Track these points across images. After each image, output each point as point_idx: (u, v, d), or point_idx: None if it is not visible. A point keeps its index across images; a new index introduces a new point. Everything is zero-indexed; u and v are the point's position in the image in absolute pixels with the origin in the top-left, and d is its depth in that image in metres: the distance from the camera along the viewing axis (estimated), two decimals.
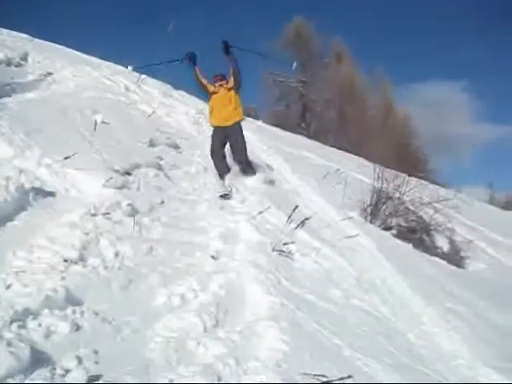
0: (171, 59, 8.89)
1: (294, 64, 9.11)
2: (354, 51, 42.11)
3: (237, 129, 8.46)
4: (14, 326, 3.29)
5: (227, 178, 8.12)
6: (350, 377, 3.27)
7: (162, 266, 4.80)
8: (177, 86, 15.51)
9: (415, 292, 5.94)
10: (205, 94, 8.88)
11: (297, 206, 6.58)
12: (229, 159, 8.64)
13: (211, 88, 8.64)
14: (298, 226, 6.25)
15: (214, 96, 8.60)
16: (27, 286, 3.88)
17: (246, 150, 8.57)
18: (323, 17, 56.73)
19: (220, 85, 8.56)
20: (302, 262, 5.71)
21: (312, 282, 5.29)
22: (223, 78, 8.64)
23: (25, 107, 7.91)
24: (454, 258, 10.91)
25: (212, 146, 8.47)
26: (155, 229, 5.59)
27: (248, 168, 8.62)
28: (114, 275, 4.40)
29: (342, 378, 3.24)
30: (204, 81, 8.66)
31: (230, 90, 8.53)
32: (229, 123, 8.43)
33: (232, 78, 8.55)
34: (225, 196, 7.52)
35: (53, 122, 7.56)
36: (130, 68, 8.77)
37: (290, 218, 6.26)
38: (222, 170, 8.28)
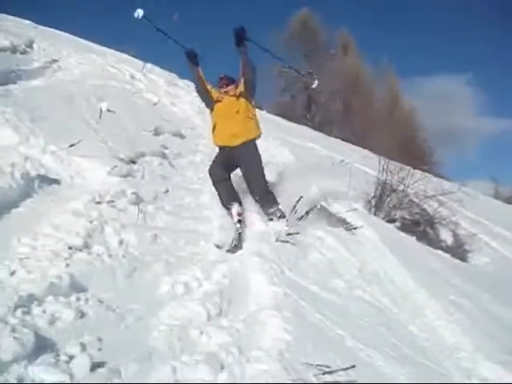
0: (179, 41, 6.44)
1: (316, 82, 7.60)
2: (359, 43, 42.05)
3: (250, 150, 6.21)
4: (19, 312, 3.31)
5: (235, 208, 6.03)
6: (353, 367, 3.28)
7: (166, 255, 4.82)
8: (182, 75, 15.51)
9: (418, 284, 5.93)
10: (209, 103, 6.56)
11: (301, 197, 6.57)
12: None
13: (215, 95, 6.46)
14: (303, 216, 6.24)
15: (217, 106, 6.41)
16: (32, 273, 3.90)
17: (264, 178, 6.20)
18: (329, 8, 56.32)
19: (226, 91, 6.38)
20: (305, 253, 5.71)
21: (315, 273, 5.28)
22: (230, 81, 6.43)
23: (30, 94, 7.92)
24: (458, 251, 10.93)
25: (211, 168, 6.32)
26: (159, 217, 5.62)
27: (267, 199, 6.18)
28: (118, 263, 4.43)
29: (345, 369, 3.24)
30: (208, 86, 6.50)
31: (238, 96, 6.29)
32: (238, 142, 6.18)
33: (243, 81, 6.27)
34: (234, 249, 5.41)
35: (58, 110, 7.57)
36: (139, 12, 6.42)
37: (294, 208, 6.25)
38: (229, 201, 6.12)
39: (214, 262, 4.80)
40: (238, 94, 6.32)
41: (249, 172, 6.20)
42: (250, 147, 6.22)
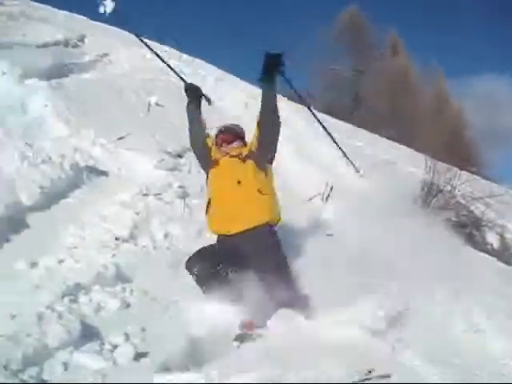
0: (176, 71, 4.92)
1: (362, 171, 5.90)
2: (407, 41, 41.54)
3: (260, 241, 3.84)
4: (66, 300, 3.41)
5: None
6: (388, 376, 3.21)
7: None
8: (229, 71, 15.56)
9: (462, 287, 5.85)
10: (206, 165, 4.29)
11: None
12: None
13: (215, 155, 4.19)
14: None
15: (211, 172, 4.16)
16: (79, 262, 4.01)
17: (288, 279, 3.83)
18: (377, 6, 55.66)
19: (226, 151, 4.12)
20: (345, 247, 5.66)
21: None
22: (235, 136, 4.20)
23: (81, 87, 8.06)
24: (504, 254, 10.71)
25: (190, 258, 3.87)
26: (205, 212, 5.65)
27: (295, 308, 3.64)
28: (163, 255, 4.49)
29: (383, 376, 3.20)
30: (210, 139, 4.32)
31: (245, 159, 4.02)
32: (238, 228, 3.86)
33: (257, 133, 4.07)
34: None
35: (108, 103, 7.70)
36: (108, 5, 4.40)
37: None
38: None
39: None
40: (243, 154, 4.07)
41: (262, 273, 3.75)
42: (261, 237, 3.86)
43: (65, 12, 14.28)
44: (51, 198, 4.92)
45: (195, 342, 3.36)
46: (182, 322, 3.63)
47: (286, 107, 12.21)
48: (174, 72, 4.88)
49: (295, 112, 11.70)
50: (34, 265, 3.92)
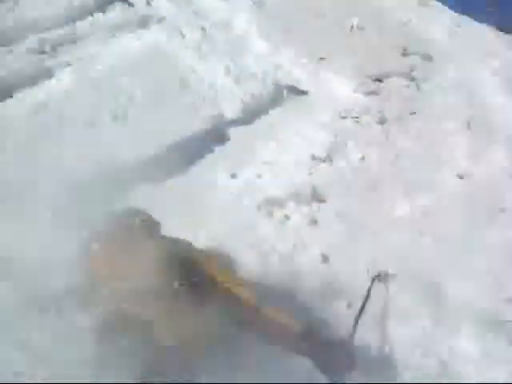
0: None
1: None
2: None
3: None
4: (264, 212, 3.52)
5: None
6: None
7: (406, 177, 4.74)
8: None
9: None
10: None
11: None
12: None
13: None
14: None
15: None
16: (276, 178, 4.09)
17: None
18: None
19: None
20: None
21: None
22: None
23: (282, 6, 8.02)
24: None
25: None
26: (402, 139, 5.49)
27: None
28: (358, 178, 4.46)
29: None
30: None
31: None
32: None
33: None
34: None
35: (308, 23, 7.62)
36: None
37: None
38: None
39: (455, 191, 4.66)
40: None
41: None
42: None
43: None
44: (252, 113, 5.03)
45: None
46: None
47: (494, 38, 11.46)
48: None
49: (505, 43, 10.93)
50: (234, 176, 4.08)
